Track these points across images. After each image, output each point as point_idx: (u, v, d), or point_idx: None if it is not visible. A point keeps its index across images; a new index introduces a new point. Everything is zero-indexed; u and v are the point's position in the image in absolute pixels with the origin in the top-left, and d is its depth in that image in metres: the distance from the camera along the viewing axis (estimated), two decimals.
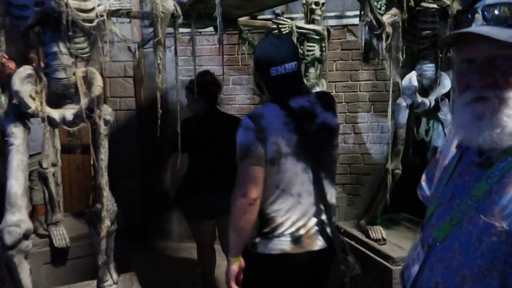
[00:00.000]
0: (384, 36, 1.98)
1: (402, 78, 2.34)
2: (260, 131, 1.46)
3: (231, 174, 1.57)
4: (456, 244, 0.83)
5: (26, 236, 1.34)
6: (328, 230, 1.54)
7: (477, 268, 0.79)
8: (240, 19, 2.81)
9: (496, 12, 0.78)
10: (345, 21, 3.58)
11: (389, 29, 2.00)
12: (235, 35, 3.30)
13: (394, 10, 2.11)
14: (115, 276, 1.72)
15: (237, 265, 1.53)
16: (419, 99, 2.30)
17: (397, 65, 2.23)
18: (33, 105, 1.37)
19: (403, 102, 2.30)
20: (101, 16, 1.50)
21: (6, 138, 1.37)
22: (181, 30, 1.75)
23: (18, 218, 1.32)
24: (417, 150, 2.69)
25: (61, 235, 2.48)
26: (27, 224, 1.34)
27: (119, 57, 3.68)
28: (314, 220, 1.52)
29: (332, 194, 1.59)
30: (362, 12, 1.96)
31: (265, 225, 1.52)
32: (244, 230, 1.50)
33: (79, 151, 3.43)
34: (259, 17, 3.26)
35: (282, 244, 1.50)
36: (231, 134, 1.58)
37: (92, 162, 1.54)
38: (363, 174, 3.73)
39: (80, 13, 1.37)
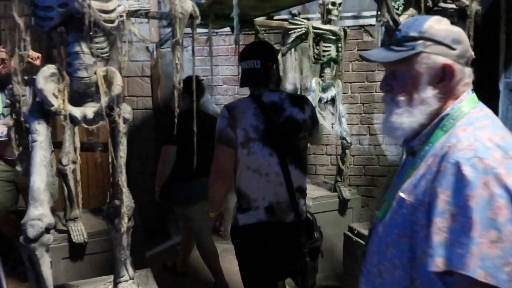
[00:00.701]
0: None
1: None
2: (232, 119, 1.78)
3: (210, 162, 1.88)
4: (386, 219, 1.03)
5: (47, 230, 1.37)
6: (298, 207, 1.81)
7: (395, 236, 0.98)
8: (257, 19, 2.84)
9: (388, 36, 1.13)
10: (362, 22, 3.57)
11: None
12: (251, 35, 3.33)
13: (411, 11, 2.09)
14: (131, 271, 1.74)
15: (214, 217, 1.95)
16: None
17: None
18: (56, 103, 1.40)
19: None
20: (121, 16, 1.53)
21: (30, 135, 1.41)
22: (198, 30, 1.78)
23: (41, 212, 1.36)
24: None
25: (79, 231, 2.53)
26: (49, 218, 1.38)
27: (137, 57, 3.74)
28: (284, 197, 1.79)
29: (302, 179, 1.86)
30: (379, 12, 1.95)
31: (242, 202, 1.83)
32: (216, 194, 1.89)
33: (101, 149, 3.49)
34: (276, 17, 3.27)
35: (258, 215, 1.79)
36: (209, 128, 1.99)
37: (110, 160, 1.57)
38: (378, 176, 3.71)
39: (102, 14, 1.40)
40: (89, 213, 2.93)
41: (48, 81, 1.39)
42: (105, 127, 1.58)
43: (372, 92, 3.66)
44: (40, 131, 1.41)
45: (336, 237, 3.08)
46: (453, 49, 0.95)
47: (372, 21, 3.50)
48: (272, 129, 1.76)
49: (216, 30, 3.56)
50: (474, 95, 0.99)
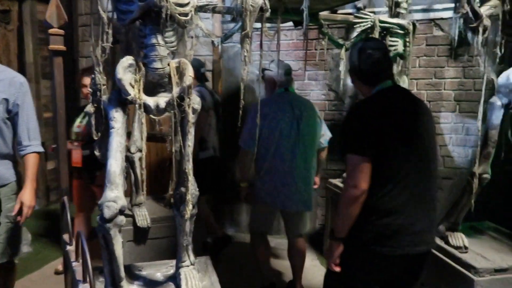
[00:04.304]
0: (481, 29, 1.84)
1: (497, 76, 2.16)
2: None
3: None
4: None
5: (121, 212, 1.46)
6: None
7: None
8: (321, 13, 2.78)
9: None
10: (432, 15, 3.37)
11: (487, 22, 1.85)
12: (313, 30, 3.28)
13: (493, 1, 1.94)
14: (192, 257, 1.79)
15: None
16: None
17: (493, 61, 2.06)
18: (132, 92, 1.47)
19: (497, 101, 2.11)
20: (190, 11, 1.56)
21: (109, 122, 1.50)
22: (258, 25, 1.78)
23: (116, 194, 1.44)
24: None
25: (143, 216, 2.66)
26: (123, 201, 1.46)
27: (199, 52, 3.83)
28: None
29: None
30: (457, 4, 1.84)
31: None
32: None
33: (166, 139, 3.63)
34: (339, 11, 3.19)
35: None
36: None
37: (176, 149, 1.61)
38: (443, 178, 3.51)
39: (177, 7, 1.45)
40: (151, 200, 3.07)
41: (126, 71, 1.47)
42: (166, 119, 1.62)
43: (440, 90, 3.46)
44: (118, 119, 1.49)
45: None
46: None
47: (444, 14, 3.30)
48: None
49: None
50: None
